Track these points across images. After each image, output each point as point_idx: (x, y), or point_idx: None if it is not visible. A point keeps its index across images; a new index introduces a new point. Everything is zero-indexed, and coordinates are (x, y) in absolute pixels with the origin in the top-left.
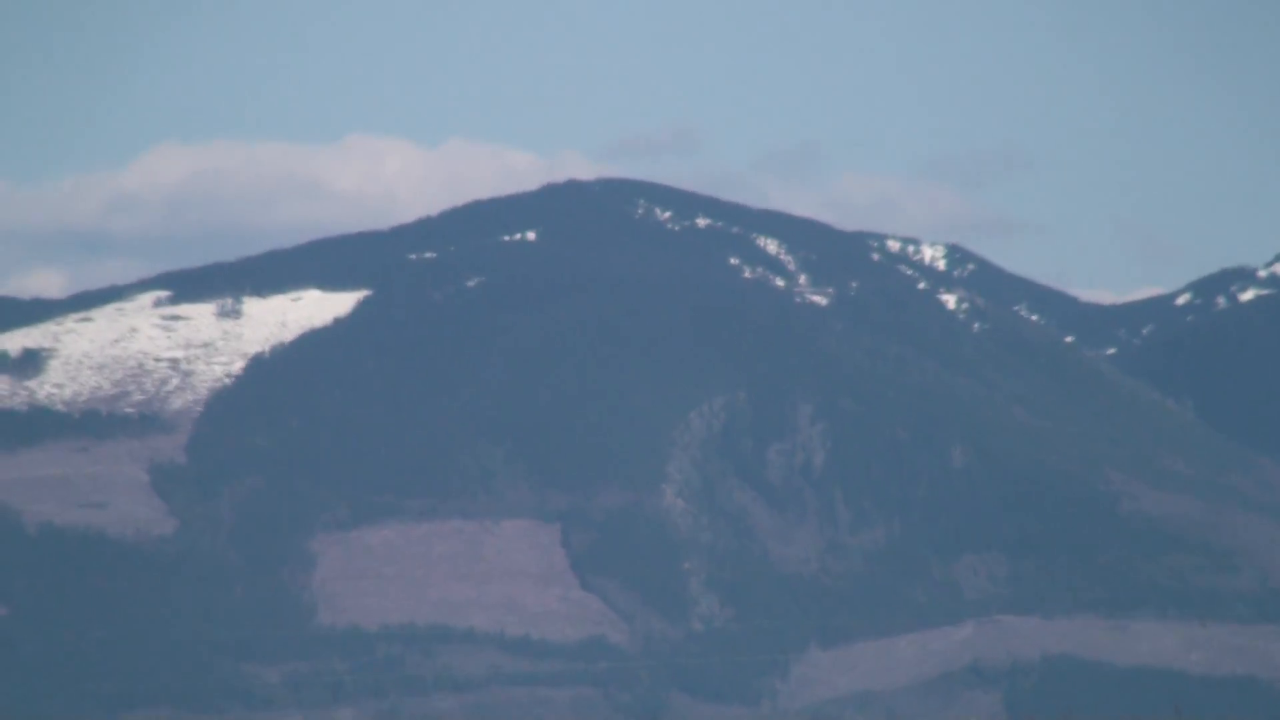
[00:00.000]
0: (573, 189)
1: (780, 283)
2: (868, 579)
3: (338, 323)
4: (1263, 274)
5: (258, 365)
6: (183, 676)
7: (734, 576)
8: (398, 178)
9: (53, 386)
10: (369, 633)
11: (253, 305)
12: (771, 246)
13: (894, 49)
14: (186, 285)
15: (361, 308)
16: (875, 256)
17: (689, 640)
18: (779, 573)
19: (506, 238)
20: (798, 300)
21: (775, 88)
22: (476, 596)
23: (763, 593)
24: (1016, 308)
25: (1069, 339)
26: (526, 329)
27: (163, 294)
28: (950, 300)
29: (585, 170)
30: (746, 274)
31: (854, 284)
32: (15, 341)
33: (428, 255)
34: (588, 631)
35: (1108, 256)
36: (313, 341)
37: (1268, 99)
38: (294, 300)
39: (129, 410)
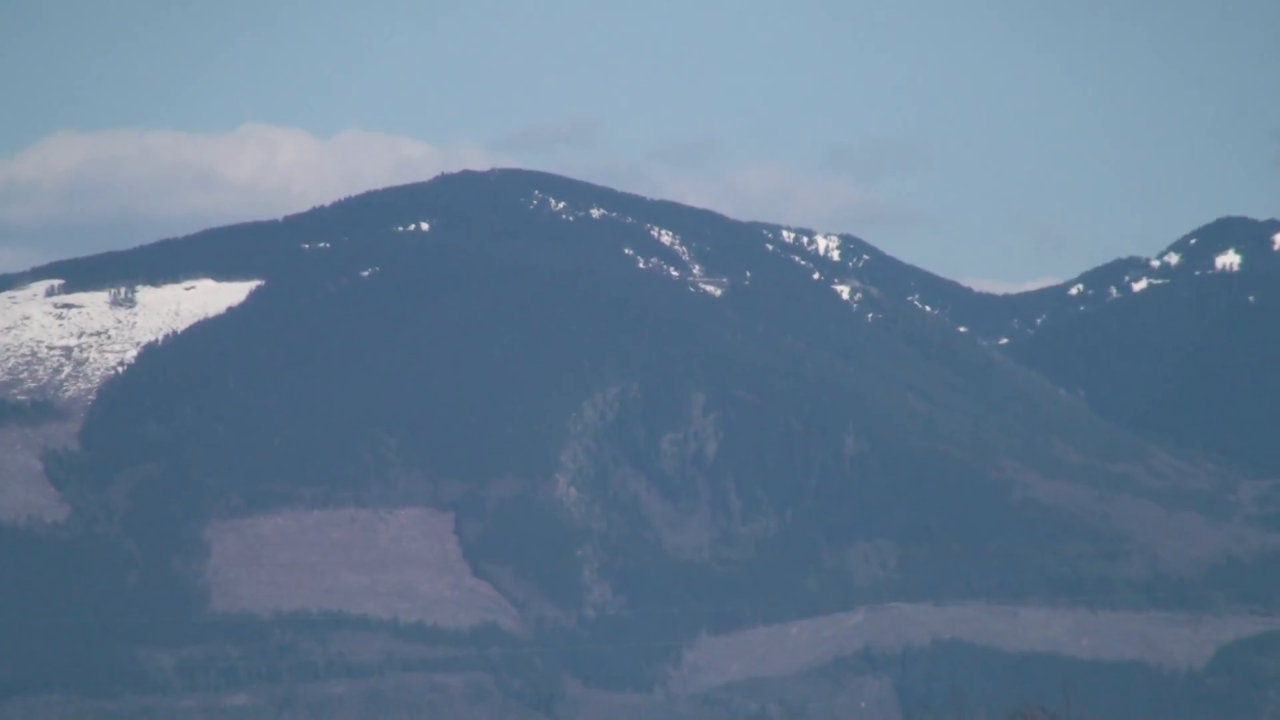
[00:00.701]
0: (467, 179)
1: (675, 273)
2: (760, 567)
3: (231, 312)
4: (1155, 264)
5: (151, 354)
6: (77, 661)
7: (627, 564)
8: (292, 167)
9: None
10: (263, 619)
11: (146, 294)
12: (666, 237)
13: (790, 40)
14: (80, 274)
15: (255, 297)
16: (769, 247)
17: (582, 627)
18: (672, 560)
19: (401, 228)
20: (692, 290)
21: (672, 79)
22: (370, 584)
23: (655, 580)
24: (910, 298)
25: (962, 329)
26: (421, 319)
27: (56, 282)
28: (844, 291)
29: (481, 161)
30: (641, 264)
31: (748, 274)
32: None
33: (321, 245)
34: (481, 618)
35: (1002, 247)
36: (206, 330)
37: (1162, 90)
38: (187, 289)
39: (21, 398)
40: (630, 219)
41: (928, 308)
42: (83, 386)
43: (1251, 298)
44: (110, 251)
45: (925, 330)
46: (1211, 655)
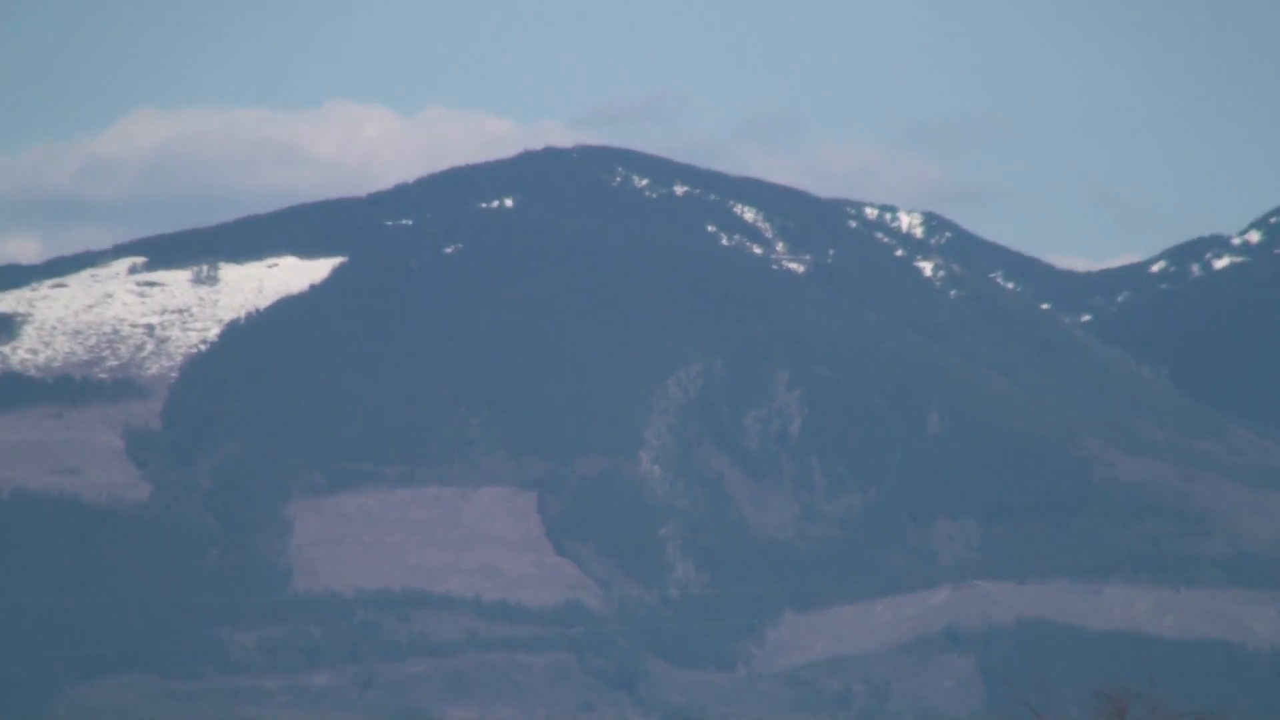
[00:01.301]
0: (550, 156)
1: (757, 250)
2: (843, 545)
3: (314, 289)
4: (1237, 241)
5: (233, 332)
6: (158, 641)
7: (710, 542)
8: (376, 144)
9: (27, 352)
10: (345, 598)
11: (229, 271)
12: (749, 214)
13: (874, 17)
14: (162, 251)
15: (338, 274)
16: (852, 224)
17: (665, 605)
18: (755, 539)
19: (484, 205)
20: (774, 268)
21: (755, 56)
22: (453, 562)
23: (738, 558)
24: (992, 275)
25: (1045, 306)
26: (503, 296)
27: (138, 260)
28: (927, 268)
29: (563, 138)
30: (724, 241)
31: (831, 252)
32: None
33: (405, 222)
34: (564, 597)
35: (1084, 224)
36: (289, 308)
37: (1244, 67)
38: (270, 267)
39: (104, 376)
40: (713, 196)
41: (1010, 285)
42: (165, 364)
43: None
44: (193, 229)
45: (1008, 307)
46: None
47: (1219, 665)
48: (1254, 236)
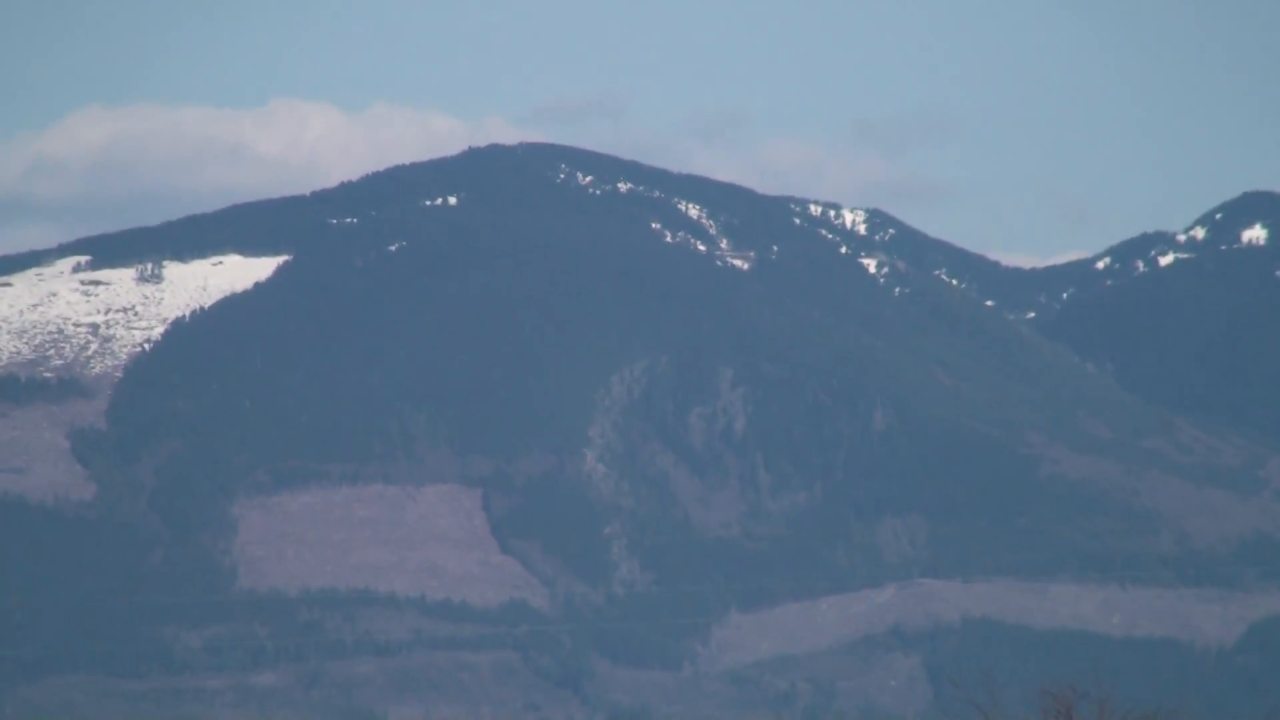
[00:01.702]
0: (495, 153)
1: (702, 247)
2: (789, 542)
3: (258, 288)
4: (1182, 238)
5: (178, 330)
6: (103, 641)
7: (655, 540)
8: (321, 142)
9: None
10: (290, 597)
11: (173, 270)
12: (693, 211)
13: (819, 13)
14: (107, 250)
15: (282, 272)
16: (797, 221)
17: (610, 604)
18: (700, 537)
19: (428, 203)
20: (719, 265)
21: (700, 53)
22: (398, 561)
23: (684, 557)
24: (937, 272)
25: (989, 303)
26: (448, 294)
27: (83, 259)
28: (871, 264)
29: (508, 135)
30: (668, 238)
31: (775, 248)
32: None
33: (349, 220)
34: (509, 595)
35: (1029, 222)
36: (233, 306)
37: (1189, 63)
38: (215, 265)
39: (48, 375)
40: (657, 193)
41: (955, 281)
42: (109, 363)
43: (1279, 271)
44: (138, 227)
45: (952, 304)
46: (1242, 632)
47: (1166, 664)
48: (1199, 233)
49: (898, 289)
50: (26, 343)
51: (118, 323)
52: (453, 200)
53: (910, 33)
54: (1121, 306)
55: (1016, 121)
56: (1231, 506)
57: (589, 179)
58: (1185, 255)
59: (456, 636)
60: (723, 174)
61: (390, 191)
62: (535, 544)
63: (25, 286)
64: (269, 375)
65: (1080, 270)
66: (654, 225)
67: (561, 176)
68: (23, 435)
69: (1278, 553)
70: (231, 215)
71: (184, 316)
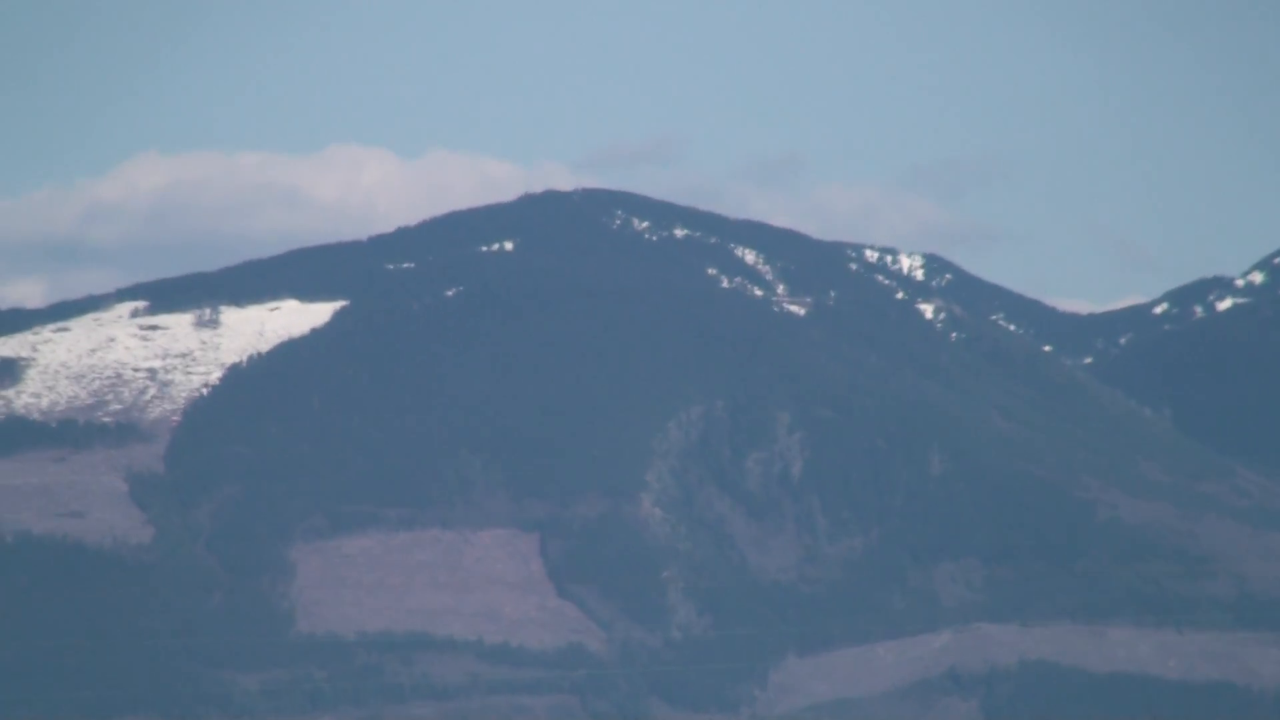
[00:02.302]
0: (551, 199)
1: (758, 292)
2: (846, 587)
3: (315, 333)
4: (1240, 283)
5: (235, 375)
6: (161, 684)
7: (712, 585)
8: (378, 188)
9: (30, 396)
10: (347, 641)
11: (230, 315)
12: (749, 256)
13: (875, 59)
14: (164, 295)
15: (339, 318)
16: (853, 266)
17: (667, 648)
18: (757, 581)
19: (485, 248)
20: (775, 310)
21: (756, 98)
22: (455, 605)
23: (741, 601)
24: (994, 317)
25: (1047, 348)
26: (504, 339)
27: (140, 304)
28: (928, 310)
29: (564, 181)
30: (724, 284)
31: (832, 294)
32: None
33: (406, 265)
34: (566, 639)
35: (1086, 266)
36: (290, 351)
37: (1246, 109)
38: (271, 310)
39: (106, 420)
40: (713, 239)
41: (1012, 327)
42: (167, 408)
43: None
44: (195, 273)
45: (1009, 349)
46: None
47: (1223, 707)
48: (1257, 277)
49: (954, 334)
50: (84, 387)
51: (175, 368)
52: (509, 246)
53: (965, 77)
54: (1179, 351)
55: (1072, 165)
56: None
57: (645, 224)
58: (1243, 300)
59: (513, 680)
60: (778, 219)
61: (447, 237)
62: (592, 588)
63: (83, 331)
64: (326, 420)
65: (1137, 315)
66: (710, 271)
67: (617, 222)
68: (81, 479)
69: None
70: (288, 260)
71: (241, 362)
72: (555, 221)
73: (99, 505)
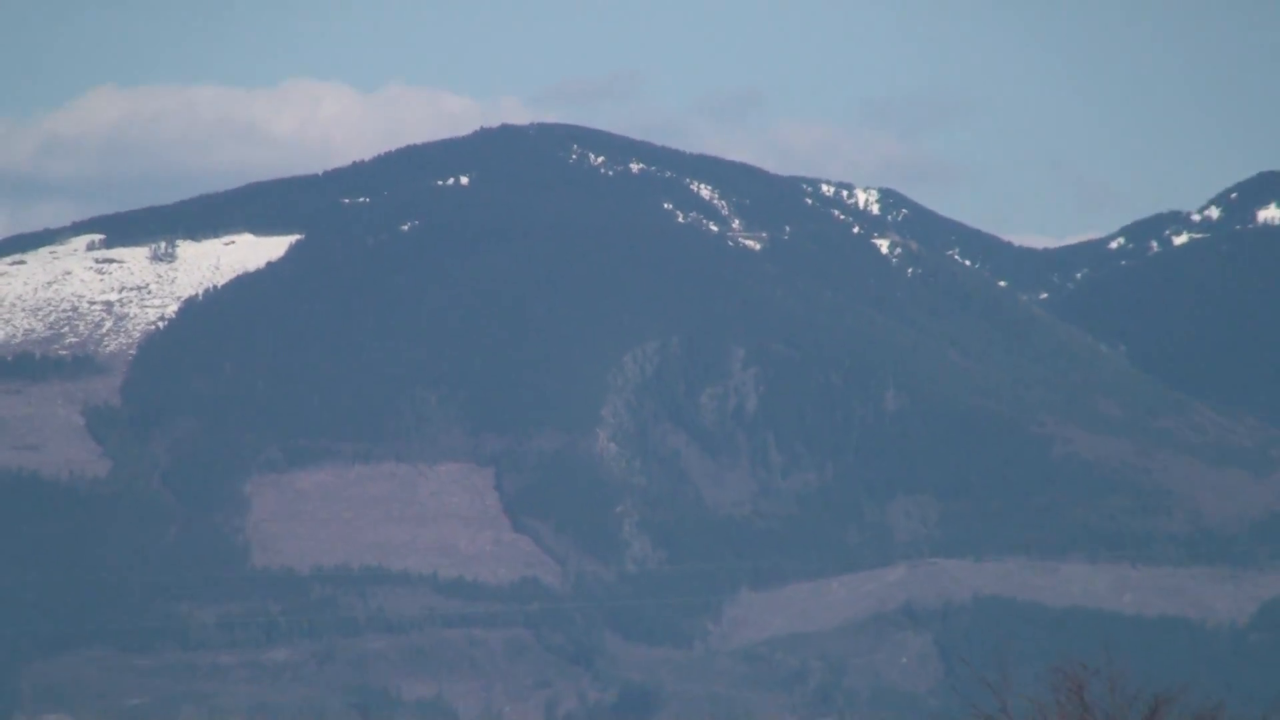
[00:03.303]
0: (507, 134)
1: (714, 227)
2: (800, 522)
3: (270, 267)
4: (1197, 218)
5: (191, 309)
6: (118, 617)
7: (666, 519)
8: (335, 122)
9: None
10: (302, 574)
11: (186, 249)
12: (705, 191)
13: None
14: (120, 229)
15: (294, 251)
16: (809, 201)
17: (622, 582)
18: (712, 515)
19: (440, 182)
20: (731, 245)
21: (713, 33)
22: (410, 539)
23: (695, 535)
24: (950, 252)
25: (1002, 284)
26: (460, 273)
27: (97, 237)
28: (884, 245)
29: (521, 116)
30: (680, 219)
31: (787, 229)
32: None
33: (361, 200)
34: (521, 573)
35: (1043, 202)
36: (246, 285)
37: (1205, 44)
38: (227, 244)
39: (63, 353)
40: (669, 173)
41: (967, 262)
42: (123, 341)
43: None
44: (151, 206)
45: (965, 285)
46: (1254, 611)
47: (1178, 642)
48: (1214, 212)
49: (910, 269)
50: (41, 320)
51: (131, 301)
52: (465, 180)
53: (922, 13)
54: (1135, 287)
55: (1029, 101)
56: (1244, 486)
57: (601, 159)
58: (1200, 235)
59: (469, 614)
60: (735, 154)
61: (403, 171)
62: (547, 522)
63: (39, 265)
64: (282, 354)
65: (1094, 250)
66: (666, 205)
67: (574, 157)
68: (37, 412)
69: None
70: (244, 194)
71: (197, 295)
72: (511, 156)
73: (55, 438)
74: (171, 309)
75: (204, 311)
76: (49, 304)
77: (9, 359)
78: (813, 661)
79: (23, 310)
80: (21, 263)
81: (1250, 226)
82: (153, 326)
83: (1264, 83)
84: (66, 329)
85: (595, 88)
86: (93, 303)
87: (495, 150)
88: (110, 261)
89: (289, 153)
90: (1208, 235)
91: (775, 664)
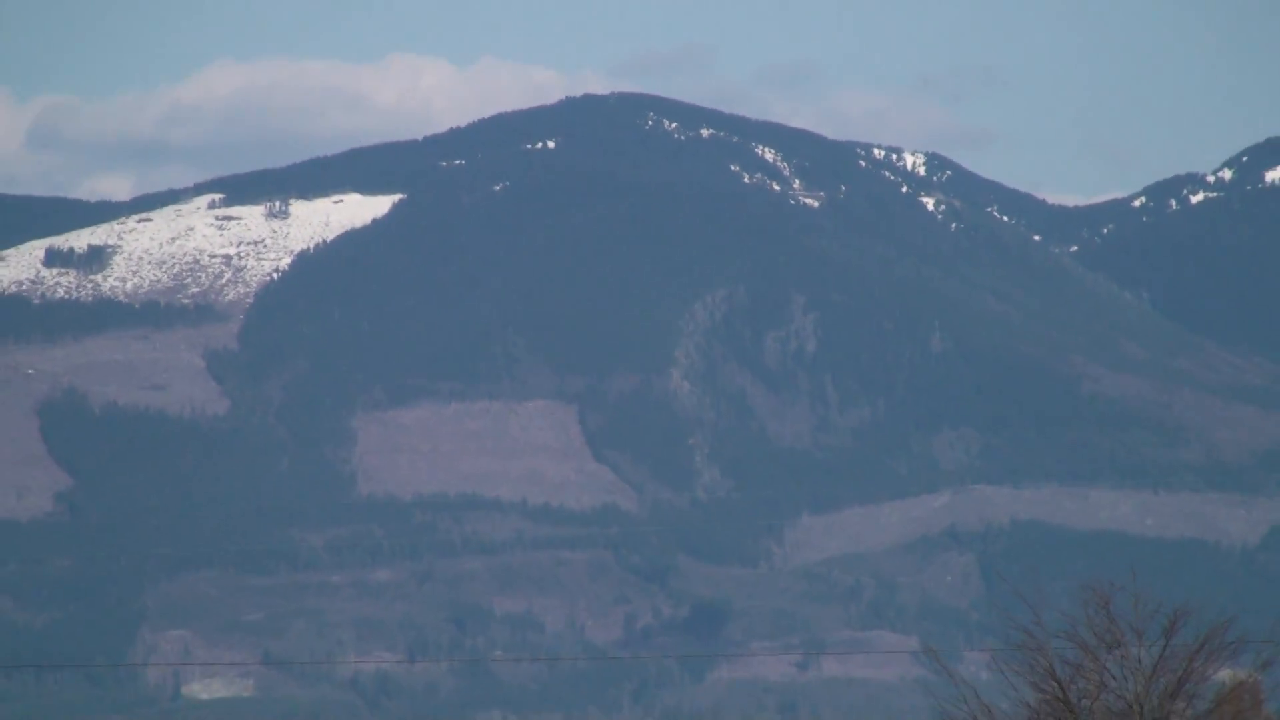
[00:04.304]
0: (590, 102)
1: (776, 187)
2: (854, 453)
3: (375, 223)
4: (1211, 179)
5: (303, 261)
6: (235, 541)
7: (734, 450)
8: (433, 93)
9: (116, 280)
10: (404, 502)
11: (299, 207)
12: (769, 155)
13: None
14: (238, 189)
15: (397, 210)
16: (862, 164)
17: (693, 508)
18: (774, 447)
19: (529, 146)
20: (791, 203)
21: (777, 9)
22: (501, 469)
23: (760, 465)
24: (989, 210)
25: (1036, 238)
26: (547, 229)
27: (216, 197)
28: (929, 203)
29: (602, 86)
30: (745, 179)
31: (843, 188)
32: (82, 240)
33: (457, 162)
34: (602, 500)
35: (1072, 164)
36: (352, 240)
37: (1216, 26)
38: (336, 203)
39: (185, 302)
40: (736, 138)
41: (1005, 218)
42: (241, 291)
43: None
44: (266, 169)
45: (1003, 239)
46: (1264, 533)
47: (1195, 562)
48: (1226, 174)
49: (953, 225)
50: (166, 272)
51: (248, 254)
52: (551, 145)
53: None
54: (1156, 241)
55: (1062, 73)
56: (1255, 420)
57: (674, 125)
58: (1214, 194)
59: (554, 537)
60: (796, 121)
61: (495, 137)
62: (626, 454)
63: (164, 222)
64: (385, 302)
65: (1119, 208)
66: (733, 167)
67: (649, 123)
68: (163, 356)
69: None
70: (351, 158)
71: (308, 249)
72: (593, 123)
73: (179, 379)
74: (285, 262)
75: (314, 264)
76: (173, 258)
77: (137, 307)
78: (865, 579)
79: (149, 263)
80: (148, 220)
81: (1259, 186)
82: (268, 278)
83: (1271, 57)
84: (189, 280)
85: (669, 60)
86: (213, 256)
87: (578, 117)
88: (229, 219)
89: (391, 120)
90: (1221, 194)
91: (832, 581)
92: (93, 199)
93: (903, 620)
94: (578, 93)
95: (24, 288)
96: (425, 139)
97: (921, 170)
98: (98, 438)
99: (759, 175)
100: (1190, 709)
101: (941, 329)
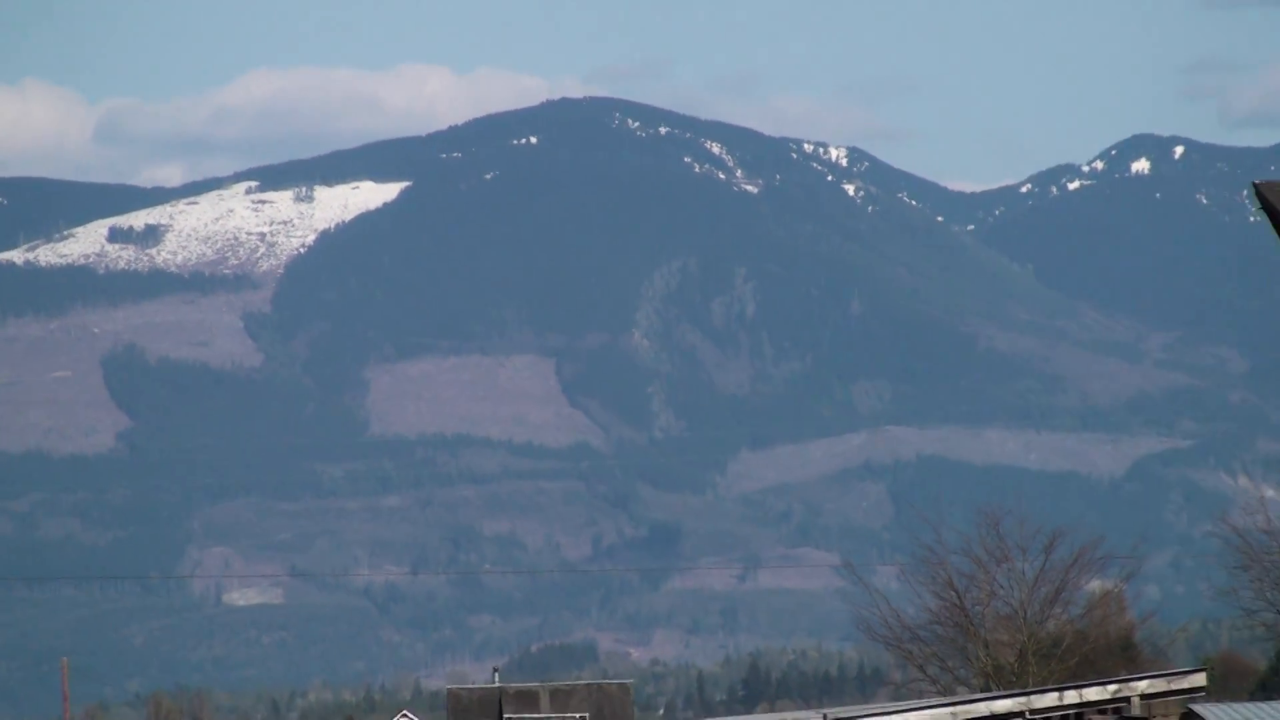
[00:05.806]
0: (566, 105)
1: (722, 176)
2: (786, 399)
3: (386, 206)
4: (1086, 169)
5: (325, 238)
6: (267, 473)
7: (685, 397)
8: (436, 96)
9: (168, 254)
10: (409, 439)
11: (322, 193)
12: (716, 149)
13: None
14: (271, 177)
15: (404, 195)
16: (794, 156)
17: (651, 445)
18: (720, 394)
19: (515, 142)
20: (735, 190)
21: (725, 25)
22: (491, 413)
23: (707, 409)
24: (900, 195)
25: (940, 219)
26: (531, 212)
27: (253, 183)
28: (850, 189)
29: (577, 90)
30: (696, 170)
31: (778, 177)
32: (140, 220)
33: (455, 155)
34: (575, 439)
35: (971, 156)
36: (367, 221)
37: (1092, 32)
38: (353, 189)
39: (226, 272)
40: (688, 135)
41: (914, 202)
42: (273, 263)
43: (1158, 195)
44: (295, 160)
45: (912, 220)
46: (1128, 467)
47: (1070, 490)
48: (1099, 165)
49: (870, 208)
50: (210, 247)
51: (279, 232)
52: (534, 140)
53: (884, 8)
54: (1039, 221)
55: (964, 79)
56: (1122, 372)
57: (637, 124)
58: (1089, 182)
59: (535, 469)
60: (739, 120)
61: (486, 133)
62: (595, 400)
63: (209, 205)
64: (394, 273)
65: (1009, 194)
66: (685, 159)
67: (616, 123)
68: (207, 318)
69: (1155, 406)
70: (366, 152)
71: (330, 228)
72: (569, 122)
73: (220, 337)
74: (310, 239)
75: (335, 241)
76: (216, 235)
77: (186, 277)
78: (795, 505)
79: (196, 239)
80: (195, 203)
81: (1127, 175)
82: (295, 252)
83: (1138, 62)
84: (229, 253)
85: (633, 69)
86: (249, 234)
87: (557, 117)
88: (263, 202)
89: (401, 119)
90: (1094, 182)
91: (767, 507)
92: (149, 185)
93: (826, 539)
94: (556, 96)
95: (90, 260)
96: (429, 135)
97: (844, 162)
98: (152, 386)
99: (707, 166)
100: (1066, 614)
101: (860, 295)
